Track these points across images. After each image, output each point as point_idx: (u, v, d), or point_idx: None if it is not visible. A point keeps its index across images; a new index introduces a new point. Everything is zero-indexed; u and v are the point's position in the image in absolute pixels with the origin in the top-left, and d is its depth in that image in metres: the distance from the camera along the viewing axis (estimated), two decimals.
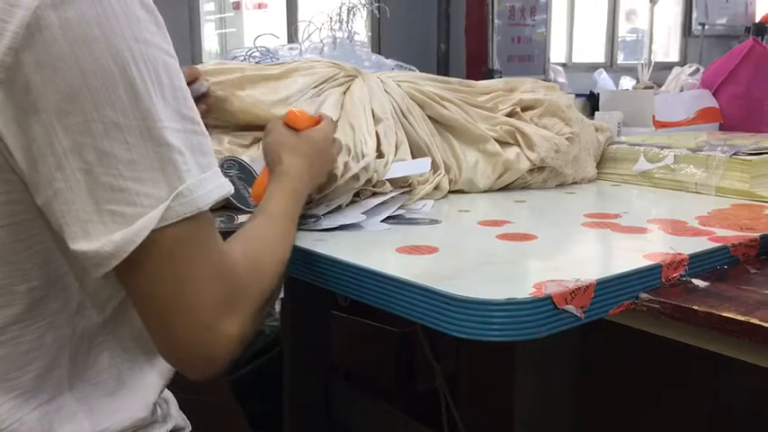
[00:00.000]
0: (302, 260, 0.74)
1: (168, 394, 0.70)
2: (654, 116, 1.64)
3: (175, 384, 0.69)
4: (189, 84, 0.73)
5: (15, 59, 0.48)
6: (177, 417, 0.69)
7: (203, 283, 0.54)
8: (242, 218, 0.85)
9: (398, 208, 0.89)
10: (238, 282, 0.57)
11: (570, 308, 0.60)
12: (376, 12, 1.64)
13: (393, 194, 0.91)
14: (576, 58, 6.22)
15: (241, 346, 0.57)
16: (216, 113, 0.98)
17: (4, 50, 0.48)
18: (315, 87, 1.04)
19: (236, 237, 0.63)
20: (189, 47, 4.10)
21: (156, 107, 0.52)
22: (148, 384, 0.65)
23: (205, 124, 0.57)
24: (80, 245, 0.51)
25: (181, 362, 0.57)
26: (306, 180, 0.78)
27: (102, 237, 0.51)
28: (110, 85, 0.50)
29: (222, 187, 0.56)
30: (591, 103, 2.46)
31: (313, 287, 0.75)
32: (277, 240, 0.67)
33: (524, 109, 1.15)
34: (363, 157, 0.91)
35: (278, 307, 1.56)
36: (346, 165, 0.87)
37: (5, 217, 0.53)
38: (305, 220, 0.81)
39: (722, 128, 1.77)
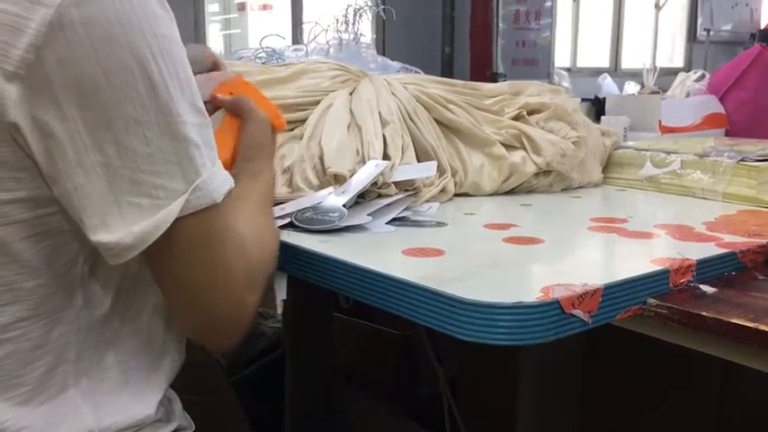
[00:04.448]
0: (306, 261, 0.74)
1: (172, 394, 0.69)
2: (660, 121, 1.63)
3: (178, 385, 0.69)
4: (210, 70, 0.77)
5: (37, 56, 0.49)
6: (181, 417, 0.69)
7: (234, 264, 0.58)
8: None
9: (404, 210, 0.89)
10: (252, 260, 0.61)
11: (577, 312, 0.59)
12: (382, 14, 1.63)
13: (399, 196, 0.91)
14: (581, 63, 6.22)
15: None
16: None
17: (25, 47, 0.48)
18: (323, 90, 1.04)
19: (239, 217, 0.62)
20: None
21: (175, 102, 0.53)
22: (153, 384, 0.65)
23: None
24: (100, 236, 0.52)
25: (212, 335, 0.62)
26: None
27: (122, 228, 0.52)
28: (130, 81, 0.51)
29: (228, 180, 0.58)
30: (596, 107, 2.47)
31: (315, 289, 0.75)
32: (270, 226, 0.71)
33: (530, 112, 1.15)
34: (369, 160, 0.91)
35: (280, 308, 1.55)
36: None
37: (11, 215, 0.53)
38: (327, 215, 0.81)
39: (728, 134, 1.76)
